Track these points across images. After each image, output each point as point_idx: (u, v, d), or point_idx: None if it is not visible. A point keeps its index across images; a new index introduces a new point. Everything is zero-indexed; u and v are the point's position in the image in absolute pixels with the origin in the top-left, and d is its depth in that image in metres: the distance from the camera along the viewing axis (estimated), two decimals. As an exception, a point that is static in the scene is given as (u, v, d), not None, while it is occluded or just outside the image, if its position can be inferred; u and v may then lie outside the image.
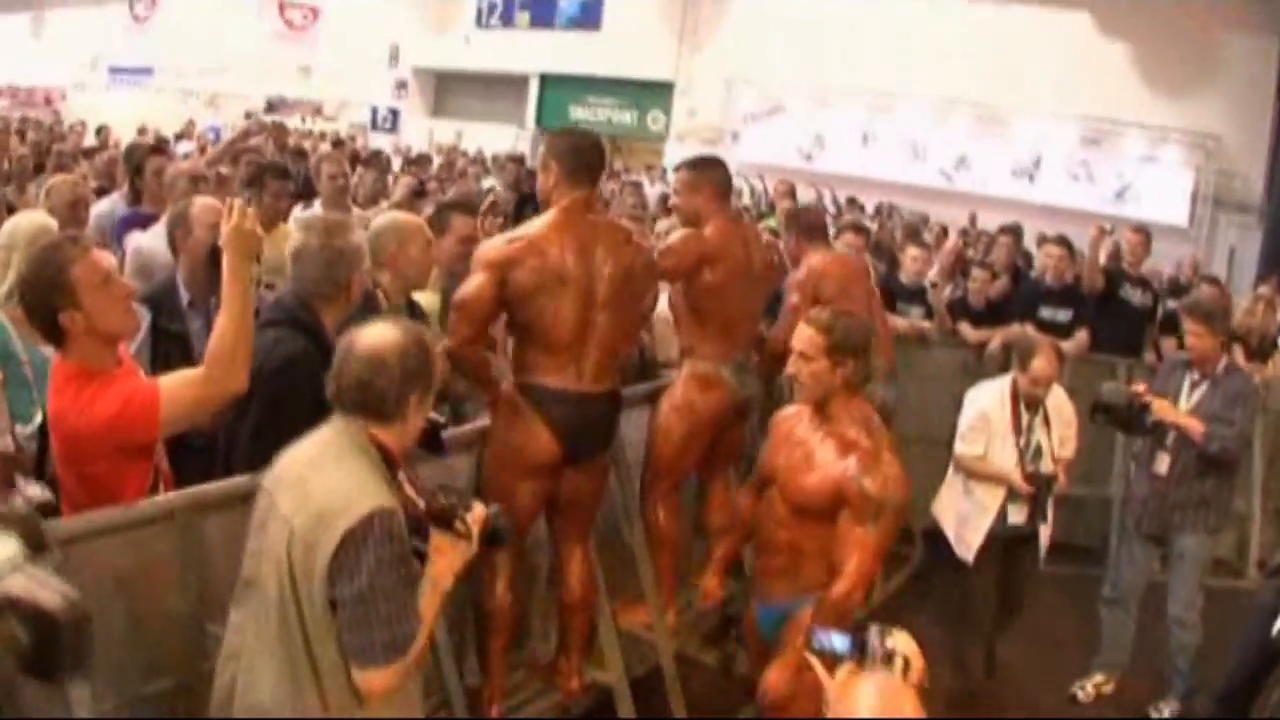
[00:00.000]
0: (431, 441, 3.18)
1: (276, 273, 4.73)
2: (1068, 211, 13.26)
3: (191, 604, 3.16)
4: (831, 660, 2.56)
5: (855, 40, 16.84)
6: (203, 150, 12.27)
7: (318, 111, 22.34)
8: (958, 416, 5.59)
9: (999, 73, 15.77)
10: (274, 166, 5.79)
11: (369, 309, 4.13)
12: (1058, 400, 5.52)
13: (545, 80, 20.81)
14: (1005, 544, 5.47)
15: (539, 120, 20.71)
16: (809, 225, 6.14)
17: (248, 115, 21.36)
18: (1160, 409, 5.60)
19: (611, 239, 4.12)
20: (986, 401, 5.53)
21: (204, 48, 22.66)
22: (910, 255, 7.94)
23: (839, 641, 2.59)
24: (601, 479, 4.38)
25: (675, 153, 16.08)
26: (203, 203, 4.63)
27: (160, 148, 7.62)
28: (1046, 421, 5.46)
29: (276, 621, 2.66)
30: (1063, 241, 7.87)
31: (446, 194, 9.09)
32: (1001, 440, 5.43)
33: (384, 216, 4.68)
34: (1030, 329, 7.35)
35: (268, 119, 16.60)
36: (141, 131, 15.82)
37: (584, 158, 4.20)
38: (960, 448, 5.52)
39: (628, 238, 4.21)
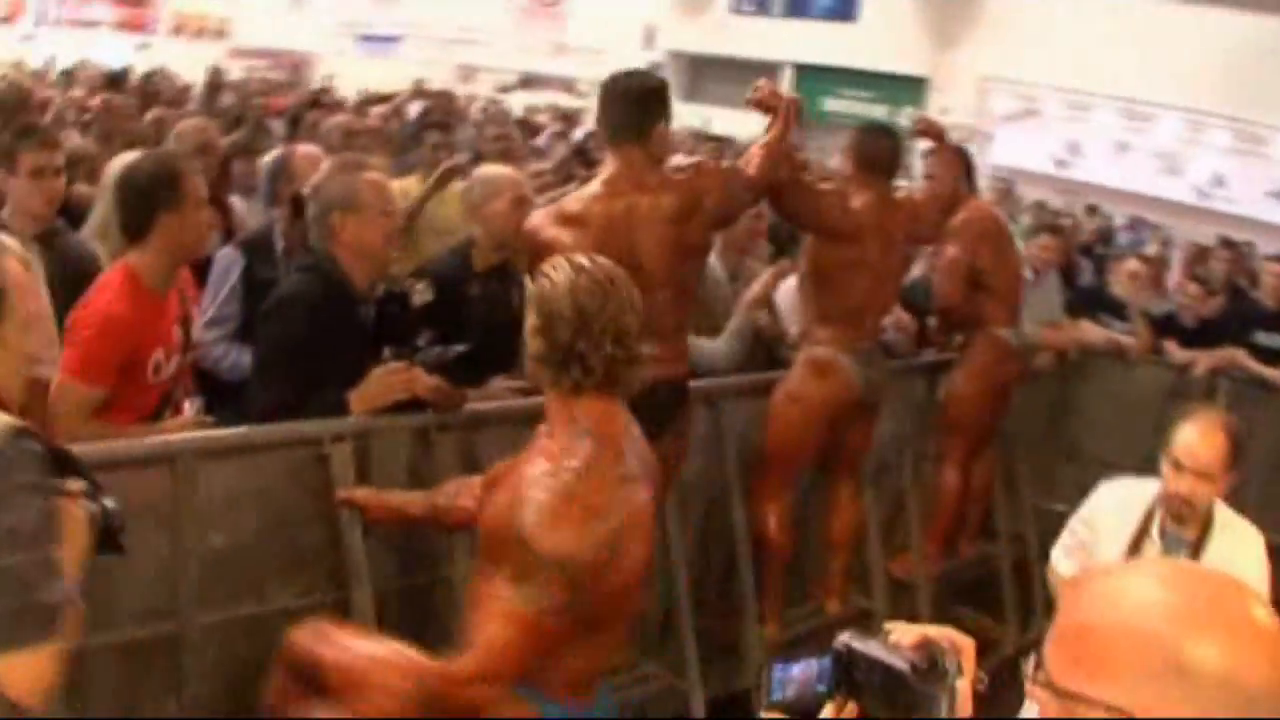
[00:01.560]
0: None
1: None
2: (1335, 239, 12.15)
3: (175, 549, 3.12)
4: (805, 705, 1.48)
5: (1111, 45, 15.88)
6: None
7: (569, 89, 22.57)
8: (1155, 442, 5.00)
9: (1259, 88, 14.61)
10: (433, 122, 5.86)
11: (464, 264, 4.13)
12: (1229, 553, 3.37)
13: (799, 70, 20.58)
14: None
15: (793, 111, 20.54)
16: (969, 167, 5.67)
17: (503, 89, 21.82)
18: None
19: (660, 205, 3.61)
20: (1107, 500, 3.70)
21: (454, 19, 23.17)
22: (1129, 269, 7.47)
23: (803, 671, 1.49)
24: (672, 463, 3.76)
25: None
26: (304, 152, 4.66)
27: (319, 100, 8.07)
28: None
29: None
30: (1289, 259, 7.19)
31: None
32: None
33: (480, 169, 4.67)
34: (1243, 354, 6.78)
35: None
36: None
37: (631, 105, 3.67)
38: (1054, 554, 3.81)
39: (684, 197, 3.64)
